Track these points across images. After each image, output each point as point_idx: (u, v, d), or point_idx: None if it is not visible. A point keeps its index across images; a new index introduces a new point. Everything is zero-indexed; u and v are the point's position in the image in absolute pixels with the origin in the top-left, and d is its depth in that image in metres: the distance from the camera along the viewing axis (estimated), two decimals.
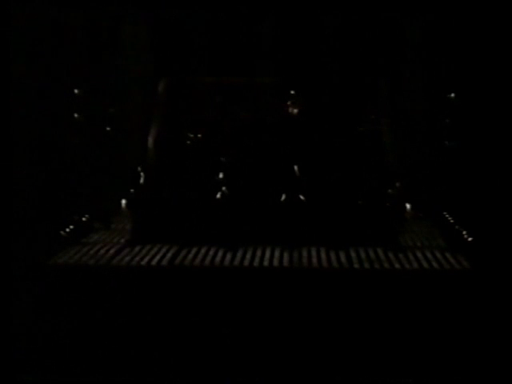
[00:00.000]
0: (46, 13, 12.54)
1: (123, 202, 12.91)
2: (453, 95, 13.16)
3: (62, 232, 12.49)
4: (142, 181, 12.94)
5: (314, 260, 12.99)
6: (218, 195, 13.22)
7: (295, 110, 14.77)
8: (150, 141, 14.37)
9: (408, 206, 12.68)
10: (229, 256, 13.02)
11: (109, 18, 13.74)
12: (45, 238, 12.38)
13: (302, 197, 12.91)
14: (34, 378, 9.63)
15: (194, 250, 13.10)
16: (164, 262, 11.65)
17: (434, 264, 12.62)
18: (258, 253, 13.26)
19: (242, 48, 13.91)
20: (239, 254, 13.16)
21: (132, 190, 13.28)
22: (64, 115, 13.28)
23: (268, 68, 13.95)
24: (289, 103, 14.79)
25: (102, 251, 12.29)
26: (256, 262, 12.79)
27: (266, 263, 12.74)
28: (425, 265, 12.65)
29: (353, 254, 13.07)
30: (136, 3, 13.13)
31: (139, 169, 12.72)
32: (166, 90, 14.25)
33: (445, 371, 9.75)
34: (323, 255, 13.10)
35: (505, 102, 11.91)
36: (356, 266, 12.79)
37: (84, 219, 13.20)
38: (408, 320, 10.24)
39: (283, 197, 12.98)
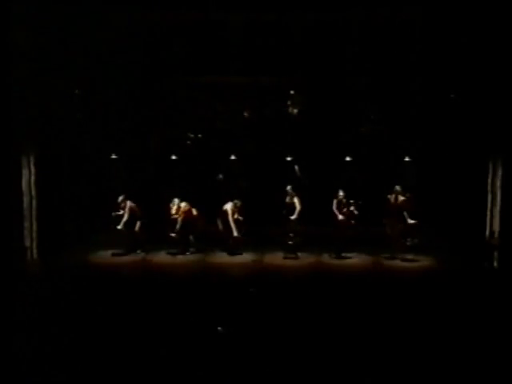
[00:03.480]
0: (46, 12, 12.55)
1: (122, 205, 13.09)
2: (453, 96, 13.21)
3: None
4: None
5: (313, 260, 13.05)
6: (219, 194, 13.30)
7: (295, 110, 14.84)
8: (150, 141, 14.45)
9: (409, 206, 12.72)
10: (229, 257, 13.10)
11: (109, 17, 13.73)
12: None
13: (299, 198, 12.98)
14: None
15: (196, 251, 13.25)
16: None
17: (435, 264, 12.69)
18: (258, 253, 13.34)
19: (243, 48, 13.92)
20: (239, 255, 13.24)
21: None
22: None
23: (268, 68, 13.96)
24: (289, 103, 14.87)
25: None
26: (256, 262, 12.88)
27: (266, 263, 12.82)
28: (425, 264, 12.73)
29: (352, 254, 13.14)
30: (136, 4, 13.13)
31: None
32: (166, 90, 14.31)
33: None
34: (323, 255, 13.15)
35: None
36: (356, 266, 12.84)
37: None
38: (409, 320, 10.19)
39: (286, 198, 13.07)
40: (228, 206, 13.11)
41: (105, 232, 13.36)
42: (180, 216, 13.01)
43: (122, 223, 12.99)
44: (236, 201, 13.11)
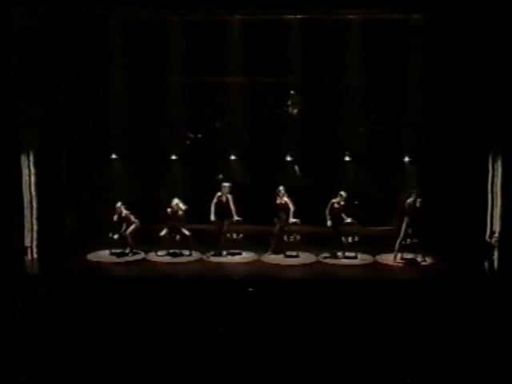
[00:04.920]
0: (46, 11, 12.56)
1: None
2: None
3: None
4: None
5: (312, 262, 13.04)
6: (219, 194, 13.29)
7: (295, 110, 14.86)
8: (153, 140, 14.45)
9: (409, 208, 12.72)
10: (228, 257, 13.10)
11: (109, 17, 13.73)
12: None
13: (291, 199, 12.97)
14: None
15: (200, 251, 13.24)
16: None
17: (435, 264, 12.68)
18: (258, 254, 13.33)
19: (243, 48, 13.92)
20: (239, 256, 13.25)
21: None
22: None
23: (268, 68, 13.96)
24: (289, 103, 14.89)
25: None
26: (255, 264, 12.88)
27: (266, 263, 12.81)
28: (425, 264, 12.70)
29: (352, 256, 13.14)
30: (136, 4, 13.11)
31: None
32: (165, 90, 14.31)
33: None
34: (322, 257, 13.15)
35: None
36: (356, 265, 12.82)
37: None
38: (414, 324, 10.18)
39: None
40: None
41: (104, 232, 13.33)
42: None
43: (118, 233, 12.98)
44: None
